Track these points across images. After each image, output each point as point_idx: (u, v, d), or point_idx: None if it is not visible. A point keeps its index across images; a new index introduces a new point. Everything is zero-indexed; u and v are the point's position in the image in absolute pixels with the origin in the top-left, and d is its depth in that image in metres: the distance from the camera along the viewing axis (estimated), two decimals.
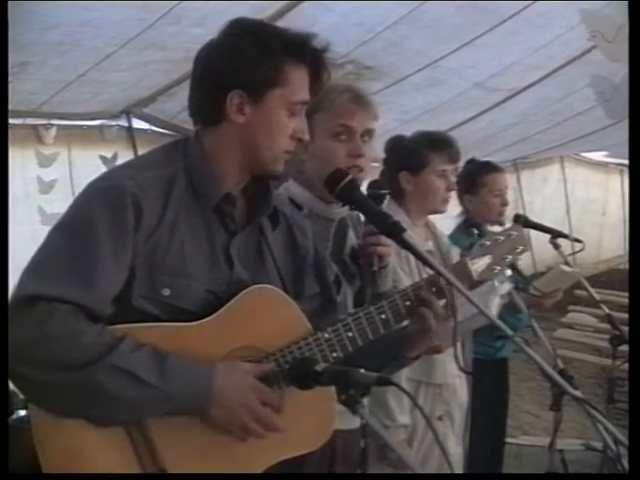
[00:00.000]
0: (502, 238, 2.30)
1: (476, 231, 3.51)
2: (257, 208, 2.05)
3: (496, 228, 3.73)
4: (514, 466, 5.03)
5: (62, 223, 1.84)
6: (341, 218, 2.61)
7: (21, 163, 5.32)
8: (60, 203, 5.34)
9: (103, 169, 5.48)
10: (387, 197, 2.45)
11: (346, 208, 2.55)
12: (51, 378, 1.71)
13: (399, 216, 2.98)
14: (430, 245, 3.34)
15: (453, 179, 3.34)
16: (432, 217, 3.46)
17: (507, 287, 3.13)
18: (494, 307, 3.11)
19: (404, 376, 3.00)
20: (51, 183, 5.64)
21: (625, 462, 1.98)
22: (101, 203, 1.81)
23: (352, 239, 2.65)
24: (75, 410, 1.76)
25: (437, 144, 3.30)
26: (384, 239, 2.35)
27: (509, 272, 2.46)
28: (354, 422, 2.07)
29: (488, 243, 2.28)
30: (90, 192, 1.86)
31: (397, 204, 3.30)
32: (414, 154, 3.29)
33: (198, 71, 1.98)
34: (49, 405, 1.76)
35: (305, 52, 1.96)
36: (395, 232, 2.05)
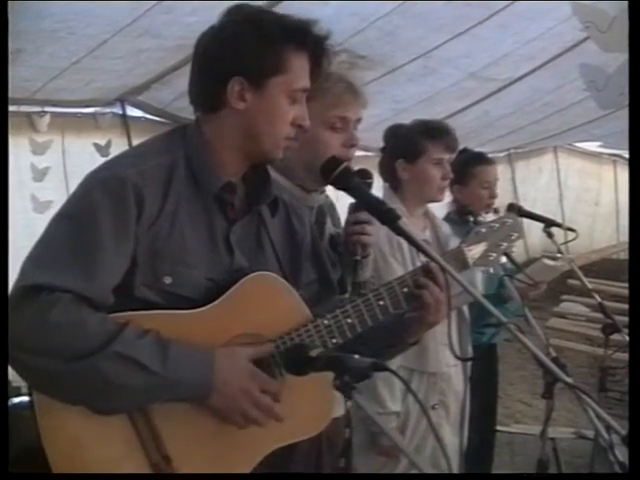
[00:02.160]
0: (497, 225, 2.32)
1: (471, 218, 3.52)
2: (257, 196, 2.05)
3: (489, 217, 3.75)
4: (506, 454, 5.06)
5: (63, 213, 1.84)
6: (319, 206, 2.59)
7: (15, 151, 5.29)
8: (53, 191, 5.32)
9: (97, 157, 5.55)
10: (372, 185, 2.45)
11: (324, 196, 2.56)
12: (55, 367, 1.71)
13: (395, 205, 3.00)
14: (427, 235, 3.34)
15: (449, 168, 3.35)
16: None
17: None
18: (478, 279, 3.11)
19: (397, 364, 3.00)
20: (44, 171, 5.58)
21: (617, 451, 1.99)
22: (103, 193, 1.80)
23: (330, 227, 2.64)
24: (79, 398, 1.77)
25: (433, 132, 3.31)
26: (368, 228, 2.36)
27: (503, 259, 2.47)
28: (339, 410, 2.09)
29: (483, 230, 2.30)
30: (91, 182, 1.86)
31: (394, 193, 3.31)
32: (410, 142, 3.30)
33: (198, 58, 1.97)
34: (53, 393, 1.77)
35: (307, 39, 1.94)
36: (390, 219, 2.06)
